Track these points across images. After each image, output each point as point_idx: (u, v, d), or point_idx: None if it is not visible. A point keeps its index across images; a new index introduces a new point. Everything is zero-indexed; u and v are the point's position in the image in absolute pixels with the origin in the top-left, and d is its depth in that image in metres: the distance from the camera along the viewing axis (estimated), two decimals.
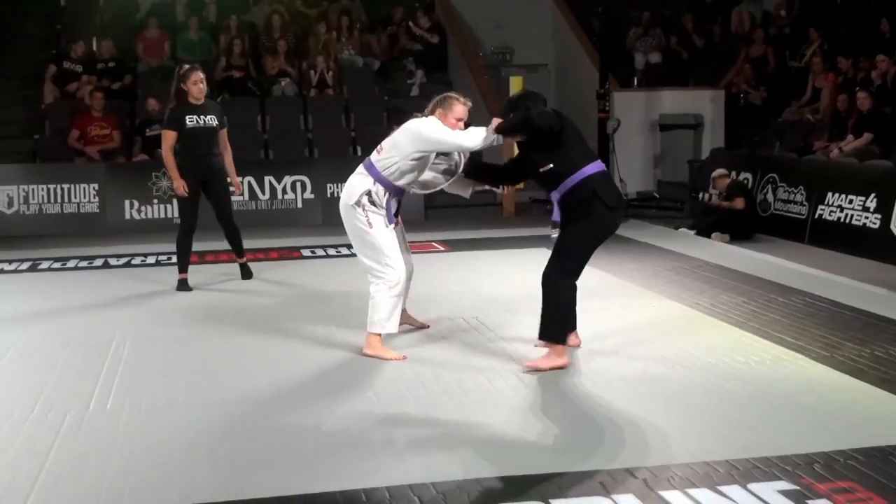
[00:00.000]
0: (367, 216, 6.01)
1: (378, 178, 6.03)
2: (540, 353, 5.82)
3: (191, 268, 8.69)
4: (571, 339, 6.12)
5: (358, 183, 6.08)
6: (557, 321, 5.71)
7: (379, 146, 6.14)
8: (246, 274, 8.91)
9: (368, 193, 6.01)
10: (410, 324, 6.75)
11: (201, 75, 8.40)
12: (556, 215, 5.89)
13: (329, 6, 15.99)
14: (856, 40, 13.27)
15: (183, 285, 8.54)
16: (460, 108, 6.03)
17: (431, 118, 6.00)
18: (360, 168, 6.14)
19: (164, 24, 15.23)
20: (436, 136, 5.88)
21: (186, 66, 8.56)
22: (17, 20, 15.43)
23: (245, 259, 8.98)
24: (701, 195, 11.47)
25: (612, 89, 14.12)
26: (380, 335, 6.12)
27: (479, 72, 15.11)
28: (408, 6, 16.14)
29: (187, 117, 8.31)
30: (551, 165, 5.72)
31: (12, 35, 15.31)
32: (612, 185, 5.91)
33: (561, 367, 5.71)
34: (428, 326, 6.83)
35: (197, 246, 10.79)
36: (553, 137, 5.70)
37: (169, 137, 8.36)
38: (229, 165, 8.67)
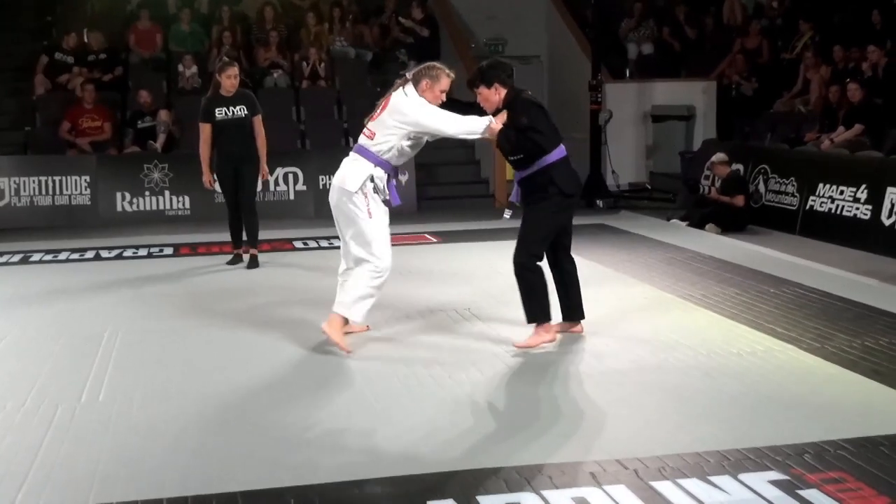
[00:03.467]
0: (367, 204, 5.93)
1: (378, 163, 5.95)
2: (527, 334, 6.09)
3: (185, 259, 8.81)
4: (574, 327, 6.31)
5: (357, 168, 5.96)
6: (536, 301, 6.00)
7: (366, 130, 6.04)
8: (252, 264, 9.03)
9: (372, 178, 5.92)
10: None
11: (236, 70, 8.87)
12: (516, 196, 6.13)
13: None
14: (847, 31, 13.28)
15: (236, 259, 9.10)
16: (446, 82, 6.02)
17: (418, 98, 5.93)
18: (353, 154, 6.04)
19: (156, 15, 15.18)
20: (434, 124, 5.88)
21: (226, 59, 9.40)
22: (9, 11, 15.36)
23: (255, 252, 9.09)
24: (702, 188, 11.42)
25: (605, 81, 14.12)
26: (344, 318, 6.06)
27: (471, 63, 15.02)
28: None
29: (217, 109, 8.77)
30: (521, 156, 5.96)
31: (4, 26, 15.24)
32: (569, 172, 6.12)
33: (549, 342, 6.03)
34: (367, 329, 6.55)
35: (190, 238, 10.84)
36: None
37: (204, 130, 8.83)
38: (260, 152, 8.98)
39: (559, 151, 5.97)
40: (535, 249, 6.00)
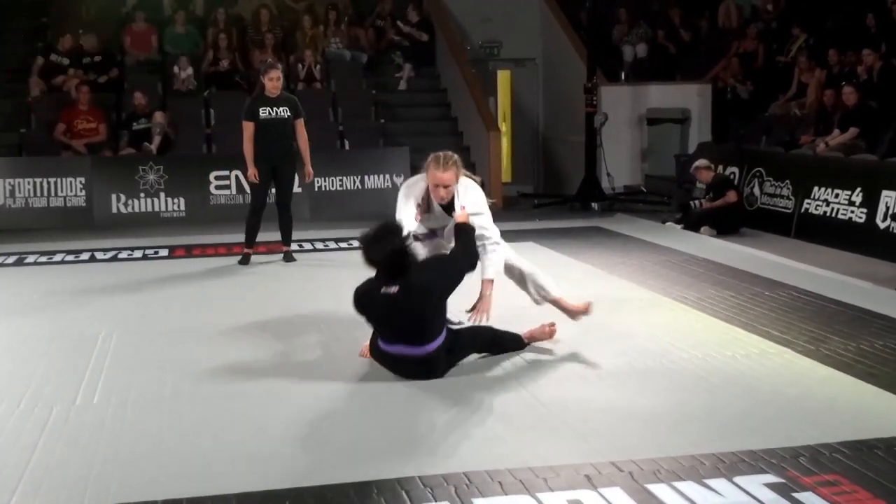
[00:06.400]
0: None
1: None
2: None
3: (180, 261, 8.77)
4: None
5: None
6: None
7: None
8: (289, 258, 9.38)
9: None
10: None
11: (278, 73, 9.18)
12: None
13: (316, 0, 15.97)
14: (842, 35, 13.31)
15: (245, 259, 9.21)
16: (432, 173, 5.83)
17: (414, 185, 6.02)
18: None
19: (151, 17, 15.18)
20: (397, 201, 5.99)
21: (269, 62, 9.84)
22: (4, 12, 15.33)
23: (289, 249, 9.41)
24: (693, 204, 11.37)
25: (600, 83, 14.13)
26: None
27: (466, 66, 15.09)
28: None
29: (261, 109, 9.02)
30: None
31: None
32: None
33: None
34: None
35: (185, 240, 10.82)
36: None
37: (247, 128, 9.04)
38: (304, 154, 9.25)
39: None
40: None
